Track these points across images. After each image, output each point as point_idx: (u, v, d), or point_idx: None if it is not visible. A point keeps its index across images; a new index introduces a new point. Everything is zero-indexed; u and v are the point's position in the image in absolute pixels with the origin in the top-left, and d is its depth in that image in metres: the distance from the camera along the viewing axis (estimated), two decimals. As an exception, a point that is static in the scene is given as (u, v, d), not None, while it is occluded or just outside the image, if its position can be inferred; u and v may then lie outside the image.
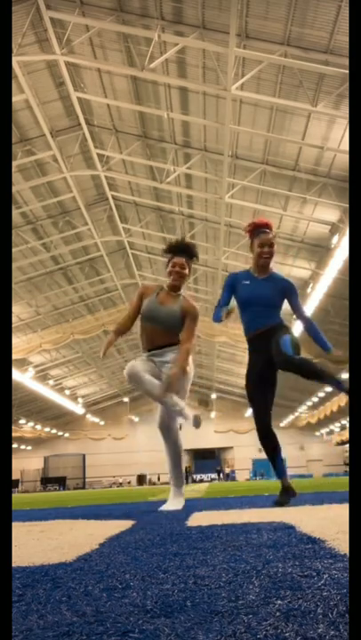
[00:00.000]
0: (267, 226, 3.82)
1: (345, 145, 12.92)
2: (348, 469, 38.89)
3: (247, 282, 3.80)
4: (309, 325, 3.80)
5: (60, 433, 44.78)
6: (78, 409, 40.03)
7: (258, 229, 3.80)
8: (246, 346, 3.91)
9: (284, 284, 3.83)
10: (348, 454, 42.92)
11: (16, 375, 25.79)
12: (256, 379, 3.75)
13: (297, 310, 3.82)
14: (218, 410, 43.17)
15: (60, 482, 42.78)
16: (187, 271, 3.93)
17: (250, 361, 3.83)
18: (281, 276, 3.93)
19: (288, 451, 39.37)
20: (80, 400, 40.05)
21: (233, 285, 3.84)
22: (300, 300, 3.96)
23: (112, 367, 36.52)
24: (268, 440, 3.77)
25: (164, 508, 3.88)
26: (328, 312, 19.40)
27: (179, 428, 3.92)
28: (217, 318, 3.81)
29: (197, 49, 11.90)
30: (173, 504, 3.91)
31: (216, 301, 3.92)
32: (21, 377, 26.83)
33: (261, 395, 3.75)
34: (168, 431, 3.86)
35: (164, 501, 4.26)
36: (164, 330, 3.83)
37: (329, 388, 30.56)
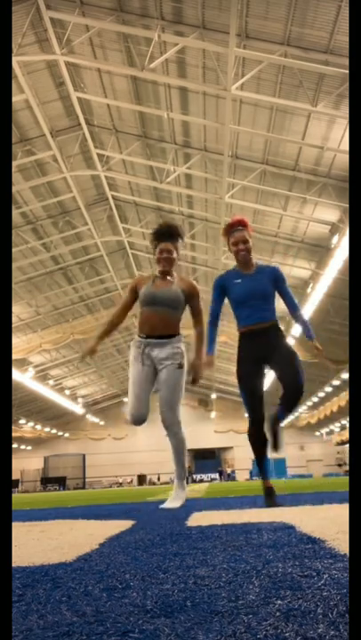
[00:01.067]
0: (240, 223, 3.80)
1: (345, 145, 12.92)
2: (342, 471, 38.96)
3: (239, 280, 3.78)
4: (299, 314, 3.85)
5: (60, 433, 44.77)
6: (78, 409, 40.02)
7: (232, 229, 3.80)
8: None
9: (272, 272, 3.85)
10: (340, 455, 42.90)
11: (16, 375, 25.79)
12: (251, 370, 3.72)
13: (285, 296, 3.82)
14: (218, 410, 43.16)
15: (60, 482, 42.78)
16: (174, 255, 3.92)
17: (243, 353, 3.77)
18: (266, 265, 3.95)
19: (288, 451, 39.39)
20: (80, 400, 40.04)
21: (223, 288, 3.83)
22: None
23: (112, 367, 36.51)
24: (261, 436, 3.74)
25: (165, 505, 3.88)
26: (328, 312, 19.39)
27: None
28: (210, 352, 3.86)
29: (197, 49, 11.90)
30: (172, 502, 3.89)
31: (210, 304, 3.87)
32: (21, 377, 26.83)
33: (256, 386, 3.74)
34: (172, 426, 3.85)
35: (163, 501, 4.25)
36: (165, 312, 3.83)
37: (329, 388, 30.61)
